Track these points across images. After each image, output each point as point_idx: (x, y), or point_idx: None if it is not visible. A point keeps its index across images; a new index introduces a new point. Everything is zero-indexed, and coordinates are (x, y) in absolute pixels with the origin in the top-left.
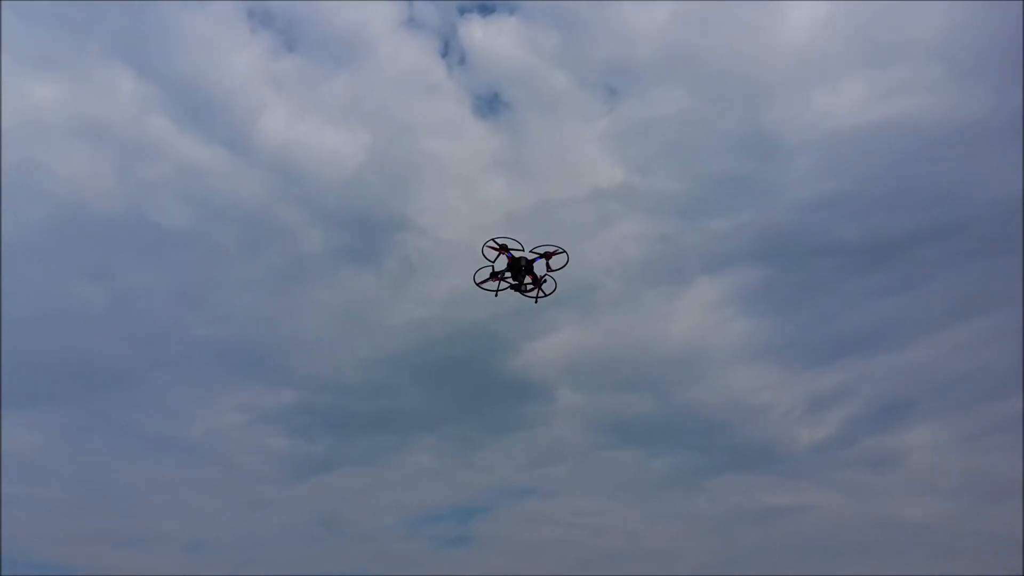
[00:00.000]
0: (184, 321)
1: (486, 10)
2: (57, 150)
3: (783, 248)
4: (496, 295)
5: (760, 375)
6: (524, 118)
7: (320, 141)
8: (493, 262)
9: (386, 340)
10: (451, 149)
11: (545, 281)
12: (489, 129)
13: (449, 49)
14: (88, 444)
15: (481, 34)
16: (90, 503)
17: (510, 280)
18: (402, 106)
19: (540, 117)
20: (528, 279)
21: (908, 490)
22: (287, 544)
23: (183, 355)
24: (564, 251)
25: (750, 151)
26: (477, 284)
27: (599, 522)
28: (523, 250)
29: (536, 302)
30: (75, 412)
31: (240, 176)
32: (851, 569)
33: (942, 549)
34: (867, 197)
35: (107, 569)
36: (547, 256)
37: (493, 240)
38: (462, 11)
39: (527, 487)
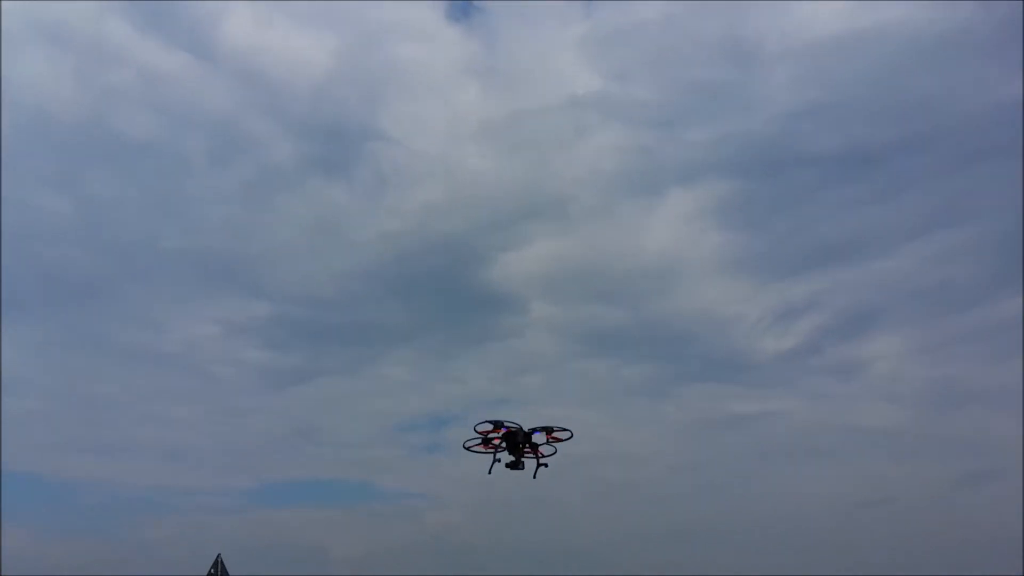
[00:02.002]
0: (154, 232)
1: None
2: (13, 55)
3: (760, 159)
4: (490, 471)
5: (731, 287)
6: (499, 23)
7: (287, 46)
8: (486, 434)
9: (359, 252)
10: (423, 55)
11: (543, 456)
12: (462, 34)
13: None
14: (61, 356)
15: None
16: (66, 414)
17: (506, 452)
18: (372, 9)
19: (515, 22)
20: (526, 448)
21: (871, 397)
22: (265, 452)
23: (155, 267)
24: (569, 430)
25: (729, 60)
26: (467, 448)
27: (571, 429)
28: (519, 426)
29: (535, 476)
30: (47, 324)
31: (205, 83)
32: (813, 471)
33: (900, 452)
34: (848, 107)
35: (86, 477)
36: (548, 432)
37: (487, 421)
38: None
39: (501, 397)
